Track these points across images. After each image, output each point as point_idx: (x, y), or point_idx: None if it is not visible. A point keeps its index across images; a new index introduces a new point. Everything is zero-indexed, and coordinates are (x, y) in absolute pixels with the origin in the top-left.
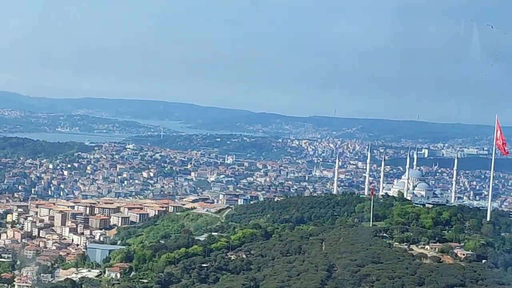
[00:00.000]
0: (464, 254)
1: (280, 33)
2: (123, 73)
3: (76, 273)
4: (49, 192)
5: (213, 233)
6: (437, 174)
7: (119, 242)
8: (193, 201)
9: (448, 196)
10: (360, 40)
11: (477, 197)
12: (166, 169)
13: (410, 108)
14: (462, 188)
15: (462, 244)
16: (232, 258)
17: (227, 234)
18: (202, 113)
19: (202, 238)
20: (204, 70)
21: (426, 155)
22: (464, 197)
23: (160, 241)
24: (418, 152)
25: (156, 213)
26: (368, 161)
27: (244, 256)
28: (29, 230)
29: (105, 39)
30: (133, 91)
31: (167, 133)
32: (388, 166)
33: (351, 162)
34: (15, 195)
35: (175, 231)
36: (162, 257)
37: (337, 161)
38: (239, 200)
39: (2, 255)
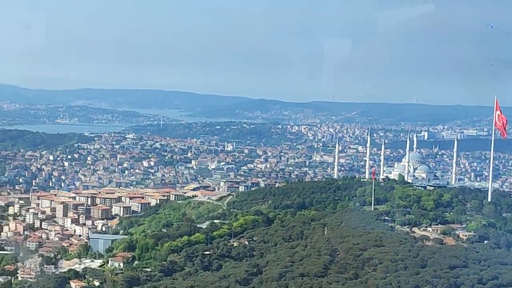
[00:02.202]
0: (466, 236)
1: (276, 18)
2: (121, 63)
3: (79, 264)
4: (50, 184)
5: (215, 221)
6: (438, 156)
7: (121, 231)
8: (194, 189)
9: (448, 178)
10: (356, 23)
11: (478, 178)
12: (167, 157)
13: (409, 91)
14: (463, 170)
15: (464, 225)
16: (235, 245)
17: (229, 221)
18: (201, 101)
19: (204, 225)
20: (202, 58)
21: (426, 138)
22: (465, 179)
23: (162, 229)
24: (418, 134)
25: (158, 202)
26: (368, 145)
27: (246, 242)
28: (31, 222)
29: (101, 29)
30: (131, 81)
31: (167, 122)
32: (388, 150)
33: (351, 146)
34: (16, 187)
35: (177, 219)
36: (164, 245)
37: (337, 145)
38: (240, 187)
39: (5, 247)
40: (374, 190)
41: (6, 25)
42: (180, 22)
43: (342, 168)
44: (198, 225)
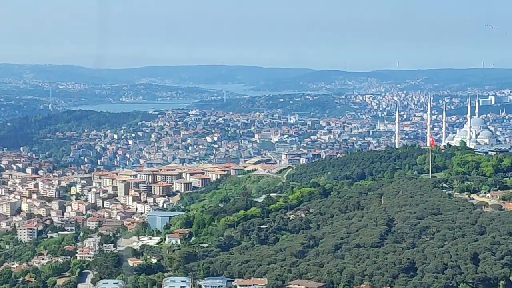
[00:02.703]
0: None
1: None
2: (184, 39)
3: (137, 242)
4: (115, 163)
5: (271, 194)
6: (504, 120)
7: (182, 208)
8: (256, 163)
9: None
10: None
11: None
12: (230, 132)
13: (476, 55)
14: None
15: None
16: (291, 217)
17: (286, 194)
18: (264, 74)
19: (260, 199)
20: (264, 32)
21: (492, 102)
22: None
23: (219, 205)
24: (484, 99)
25: (218, 177)
26: (428, 111)
27: (302, 215)
28: (93, 202)
29: (164, 6)
30: (195, 57)
31: (230, 97)
32: (454, 116)
33: (416, 114)
34: (81, 167)
35: (236, 194)
36: (221, 220)
37: (397, 114)
38: (301, 159)
39: (66, 227)
40: (434, 157)
41: (69, 8)
42: None
43: (407, 137)
44: (255, 199)
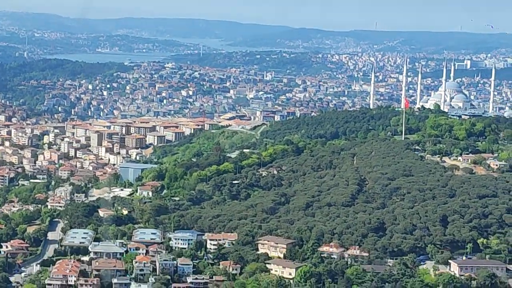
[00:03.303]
0: (497, 165)
1: None
2: None
3: (109, 193)
4: (89, 113)
5: (244, 150)
6: (479, 85)
7: (155, 160)
8: (230, 119)
9: (487, 107)
10: None
11: None
12: (205, 87)
13: (453, 19)
14: (505, 99)
15: (496, 155)
16: (263, 174)
17: (259, 150)
18: (242, 30)
19: (233, 155)
20: None
21: (468, 66)
22: (506, 108)
23: (192, 159)
24: (460, 63)
25: (192, 131)
26: (404, 73)
27: (275, 172)
28: (65, 151)
29: None
30: (174, 10)
31: (207, 51)
32: (430, 79)
33: (392, 75)
34: (55, 116)
35: (209, 149)
36: (193, 174)
37: (372, 74)
38: (275, 116)
39: (38, 176)
40: (408, 119)
41: None
42: None
43: (382, 98)
44: (228, 155)
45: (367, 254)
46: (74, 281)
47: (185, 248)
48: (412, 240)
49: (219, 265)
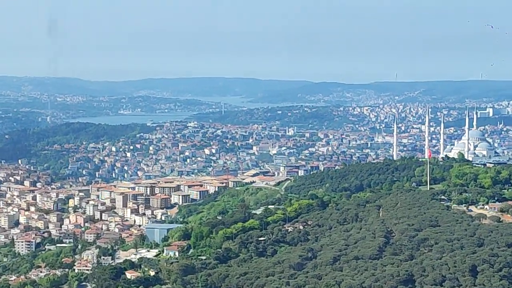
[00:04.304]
0: None
1: (332, 2)
2: (181, 52)
3: (135, 254)
4: (113, 175)
5: (269, 206)
6: (503, 132)
7: (180, 220)
8: (254, 175)
9: (511, 154)
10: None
11: None
12: (228, 144)
13: (474, 68)
14: None
15: None
16: (289, 230)
17: (284, 206)
18: (262, 86)
19: (258, 211)
20: (262, 44)
21: (490, 114)
22: None
23: (218, 217)
24: (482, 111)
25: (216, 189)
26: (426, 124)
27: (301, 227)
28: (91, 214)
29: (160, 19)
30: (193, 69)
31: (228, 109)
32: (452, 128)
33: (414, 126)
34: (79, 179)
35: (234, 206)
36: (219, 233)
37: (395, 125)
38: (299, 171)
39: (64, 240)
40: (432, 169)
41: (68, 19)
42: (239, 10)
43: (405, 149)
44: (253, 211)
45: None
46: None
47: None
48: None
49: None
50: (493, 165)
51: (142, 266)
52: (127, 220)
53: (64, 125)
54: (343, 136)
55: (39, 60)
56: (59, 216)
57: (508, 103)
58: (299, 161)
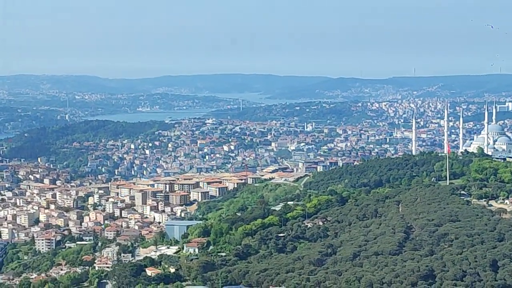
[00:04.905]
0: None
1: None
2: (200, 49)
3: (155, 251)
4: (132, 172)
5: (288, 202)
6: None
7: (199, 217)
8: (273, 171)
9: None
10: None
11: None
12: (247, 141)
13: (493, 61)
14: None
15: None
16: (309, 226)
17: (303, 202)
18: (280, 82)
19: (278, 208)
20: (280, 40)
21: (510, 108)
22: None
23: (237, 213)
24: (501, 106)
25: (235, 186)
26: (445, 118)
27: (320, 223)
28: (110, 211)
29: (179, 18)
30: (211, 66)
31: (246, 105)
32: (471, 122)
33: (433, 121)
34: (99, 177)
35: (253, 202)
36: (239, 229)
37: (413, 120)
38: (318, 167)
39: (84, 237)
40: (452, 164)
41: (87, 18)
42: (258, 8)
43: (424, 144)
44: (272, 208)
45: None
46: None
47: None
48: (463, 287)
49: None
50: None
51: (162, 263)
52: (146, 217)
53: (83, 123)
54: (361, 131)
55: (58, 59)
56: (79, 214)
57: None
58: (317, 157)
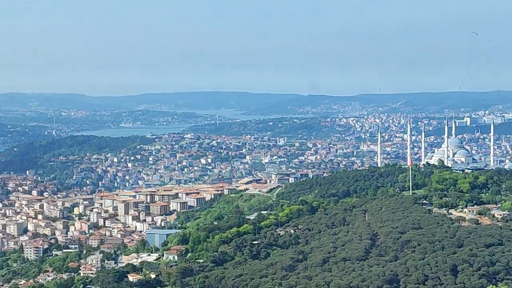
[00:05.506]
0: (501, 215)
1: (318, 19)
2: (180, 68)
3: (137, 258)
4: (115, 184)
5: (262, 212)
6: (479, 140)
7: (179, 226)
8: (247, 183)
9: (488, 160)
10: (395, 18)
11: None
12: (223, 154)
13: (452, 79)
14: (504, 152)
15: (499, 205)
16: (281, 234)
17: (276, 211)
18: (254, 99)
19: (252, 217)
20: (255, 60)
21: (468, 123)
22: (506, 161)
23: (214, 222)
24: (460, 121)
25: (212, 197)
26: (408, 133)
27: (292, 231)
28: (95, 221)
29: (160, 37)
30: (190, 84)
31: (223, 121)
32: (432, 136)
33: (397, 135)
34: (84, 189)
35: (229, 212)
36: (215, 237)
37: (379, 135)
38: (290, 178)
39: (70, 246)
40: (414, 175)
41: (72, 38)
42: (234, 28)
43: (388, 156)
44: (247, 217)
45: None
46: None
47: None
48: None
49: None
50: (471, 171)
51: (144, 270)
52: (128, 227)
53: (68, 138)
54: (330, 145)
55: (45, 77)
56: (65, 223)
57: (484, 113)
58: (289, 169)
